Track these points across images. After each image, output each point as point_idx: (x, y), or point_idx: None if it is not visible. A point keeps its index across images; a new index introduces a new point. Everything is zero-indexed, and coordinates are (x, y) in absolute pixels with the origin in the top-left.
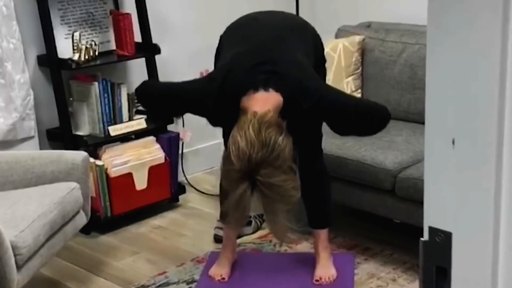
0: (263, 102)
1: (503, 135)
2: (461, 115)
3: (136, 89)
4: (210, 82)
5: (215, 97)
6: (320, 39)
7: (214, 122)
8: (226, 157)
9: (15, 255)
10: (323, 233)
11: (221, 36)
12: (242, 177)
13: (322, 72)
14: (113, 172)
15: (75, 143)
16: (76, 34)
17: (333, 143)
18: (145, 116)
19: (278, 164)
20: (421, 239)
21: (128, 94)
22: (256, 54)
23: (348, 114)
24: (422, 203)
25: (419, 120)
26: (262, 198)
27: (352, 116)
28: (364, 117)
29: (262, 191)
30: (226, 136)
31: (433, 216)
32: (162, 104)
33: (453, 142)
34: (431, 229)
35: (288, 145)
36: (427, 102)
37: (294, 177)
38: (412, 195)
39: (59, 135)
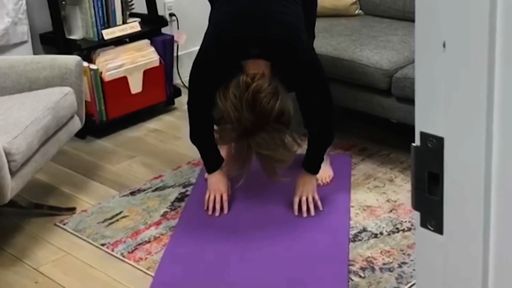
0: (257, 66)
1: (495, 37)
2: (452, 17)
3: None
4: (206, 56)
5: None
6: None
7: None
8: (221, 118)
9: (8, 162)
10: None
11: None
12: (238, 138)
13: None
14: (108, 76)
15: (68, 47)
16: None
17: (328, 43)
18: (139, 19)
19: (276, 128)
20: (413, 144)
21: None
22: (248, 18)
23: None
24: None
25: (414, 19)
26: (257, 155)
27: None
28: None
29: (258, 151)
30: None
31: (425, 120)
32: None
33: (444, 45)
34: (423, 134)
35: (286, 108)
36: (417, 4)
37: (292, 142)
38: (408, 95)
39: (53, 40)
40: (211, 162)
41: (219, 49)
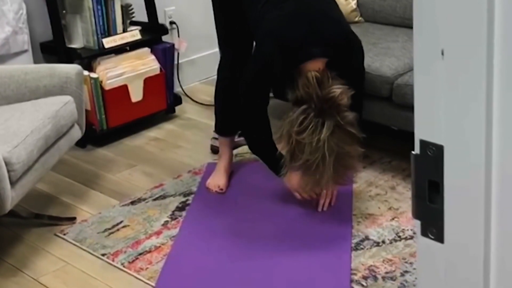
0: (315, 65)
1: (493, 44)
2: (450, 24)
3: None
4: (269, 64)
5: (277, 69)
6: None
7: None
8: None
9: (8, 172)
10: None
11: None
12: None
13: None
14: (108, 84)
15: (69, 56)
16: None
17: None
18: (139, 27)
19: (348, 121)
20: (412, 152)
21: (121, 6)
22: (304, 20)
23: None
24: None
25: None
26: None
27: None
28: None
29: (338, 148)
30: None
31: (424, 129)
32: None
33: (442, 53)
34: (422, 142)
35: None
36: (415, 12)
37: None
38: (409, 102)
39: (53, 49)
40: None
41: (280, 54)
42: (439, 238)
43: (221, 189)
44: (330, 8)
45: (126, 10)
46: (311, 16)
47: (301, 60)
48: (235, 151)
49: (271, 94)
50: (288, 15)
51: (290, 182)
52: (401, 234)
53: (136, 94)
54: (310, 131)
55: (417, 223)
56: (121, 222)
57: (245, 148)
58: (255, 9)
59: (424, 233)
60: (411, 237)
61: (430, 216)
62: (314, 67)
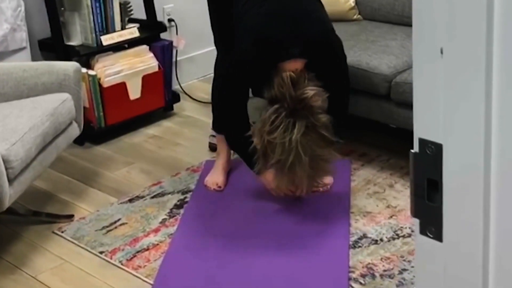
0: (294, 65)
1: (492, 43)
2: (449, 23)
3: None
4: (244, 58)
5: (253, 66)
6: None
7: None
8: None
9: (6, 169)
10: None
11: None
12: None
13: None
14: (106, 82)
15: (67, 53)
16: None
17: None
18: (137, 25)
19: (322, 123)
20: (411, 151)
21: (120, 3)
22: (285, 19)
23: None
24: None
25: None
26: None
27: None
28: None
29: (311, 152)
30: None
31: (423, 127)
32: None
33: (441, 52)
34: (421, 141)
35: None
36: (414, 11)
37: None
38: (407, 100)
39: (51, 46)
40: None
41: (259, 50)
42: (438, 237)
43: (219, 187)
44: (314, 8)
45: (125, 7)
46: (292, 15)
47: (279, 59)
48: None
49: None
50: (269, 13)
51: (265, 179)
52: (399, 232)
53: (134, 91)
54: (281, 130)
55: (416, 221)
56: (119, 219)
57: None
58: (238, 6)
59: (423, 231)
60: (409, 235)
61: (429, 215)
62: (292, 67)
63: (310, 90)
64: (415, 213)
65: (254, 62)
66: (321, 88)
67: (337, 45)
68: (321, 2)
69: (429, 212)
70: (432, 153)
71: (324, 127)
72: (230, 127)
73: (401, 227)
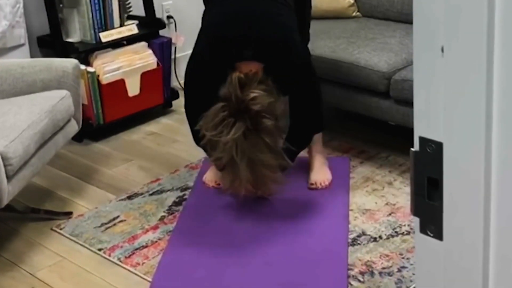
0: (250, 68)
1: (493, 41)
2: (450, 21)
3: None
4: (200, 57)
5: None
6: None
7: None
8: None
9: (5, 166)
10: (317, 137)
11: None
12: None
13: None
14: (105, 78)
15: (66, 50)
16: None
17: (326, 45)
18: (136, 22)
19: (267, 129)
20: (412, 149)
21: (119, 0)
22: (242, 20)
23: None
24: None
25: (412, 21)
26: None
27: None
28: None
29: (249, 156)
30: None
31: (424, 125)
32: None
33: (442, 50)
34: (422, 139)
35: (275, 109)
36: (415, 9)
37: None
38: (406, 97)
39: (50, 43)
40: None
41: (213, 50)
42: (438, 235)
43: (218, 184)
44: (276, 12)
45: (123, 4)
46: (249, 16)
47: (231, 59)
48: None
49: None
50: (227, 13)
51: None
52: (398, 229)
53: (133, 88)
54: (220, 129)
55: (416, 220)
56: (117, 217)
57: None
58: (207, 6)
59: (423, 230)
60: (408, 233)
61: (429, 213)
62: (247, 68)
63: (253, 93)
64: (415, 211)
65: (210, 61)
66: (276, 93)
67: (296, 53)
68: (289, 8)
69: (429, 211)
70: (433, 151)
71: (266, 133)
72: (192, 124)
73: (400, 224)
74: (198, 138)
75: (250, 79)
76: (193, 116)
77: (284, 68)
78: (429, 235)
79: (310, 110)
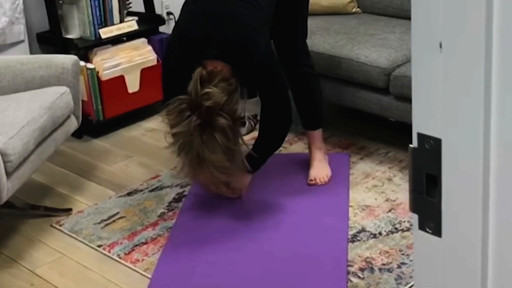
0: (216, 67)
1: (492, 37)
2: (448, 17)
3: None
4: (169, 54)
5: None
6: None
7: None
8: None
9: (4, 162)
10: (316, 134)
11: None
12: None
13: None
14: (105, 75)
15: (65, 46)
16: None
17: (325, 41)
18: (136, 18)
19: (221, 126)
20: (410, 146)
21: None
22: (209, 19)
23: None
24: None
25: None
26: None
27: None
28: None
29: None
30: None
31: (422, 122)
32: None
33: (440, 45)
34: (420, 136)
35: (231, 106)
36: (413, 4)
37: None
38: (406, 93)
39: (50, 39)
40: None
41: (180, 48)
42: (437, 232)
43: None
44: (243, 13)
45: (123, 0)
46: (217, 17)
47: (197, 57)
48: None
49: None
50: (197, 11)
51: None
52: (398, 225)
53: (132, 84)
54: (174, 120)
55: (415, 217)
56: (117, 213)
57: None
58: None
59: (422, 227)
60: (408, 229)
61: (428, 210)
62: (212, 66)
63: (209, 89)
64: (414, 208)
65: (180, 57)
66: (237, 93)
67: (257, 55)
68: (258, 8)
69: (428, 208)
70: (431, 148)
71: (219, 131)
72: None
73: (400, 220)
74: None
75: (213, 76)
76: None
77: (246, 69)
78: (428, 232)
79: (275, 117)
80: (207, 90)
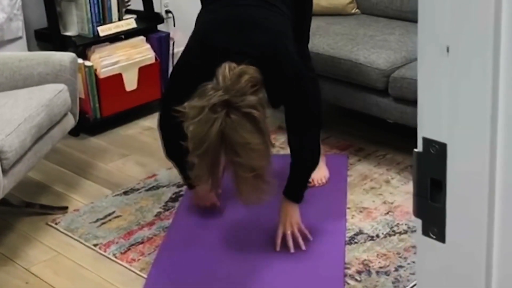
0: None
1: (500, 41)
2: (456, 21)
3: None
4: (188, 59)
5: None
6: None
7: None
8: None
9: (1, 160)
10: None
11: None
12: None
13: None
14: (102, 73)
15: (63, 43)
16: None
17: (325, 42)
18: (135, 16)
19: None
20: (415, 150)
21: None
22: (233, 26)
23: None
24: (415, 102)
25: (412, 18)
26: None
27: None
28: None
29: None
30: None
31: (427, 126)
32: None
33: (448, 50)
34: (425, 140)
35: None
36: (420, 8)
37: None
38: (405, 95)
39: (48, 36)
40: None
41: (202, 55)
42: (441, 237)
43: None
44: (269, 19)
45: None
46: (242, 24)
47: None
48: None
49: None
50: (218, 20)
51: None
52: (395, 228)
53: (130, 83)
54: (200, 101)
55: (418, 222)
56: (113, 212)
57: None
58: (202, 5)
59: (425, 232)
60: (406, 232)
61: (432, 215)
62: None
63: (242, 71)
64: (418, 213)
65: (198, 65)
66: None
67: (286, 59)
68: (278, 13)
69: (432, 213)
70: (436, 152)
71: (252, 108)
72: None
73: (398, 223)
74: (171, 150)
75: (244, 71)
76: (168, 127)
77: (275, 79)
78: (432, 237)
79: (307, 130)
80: (239, 71)
